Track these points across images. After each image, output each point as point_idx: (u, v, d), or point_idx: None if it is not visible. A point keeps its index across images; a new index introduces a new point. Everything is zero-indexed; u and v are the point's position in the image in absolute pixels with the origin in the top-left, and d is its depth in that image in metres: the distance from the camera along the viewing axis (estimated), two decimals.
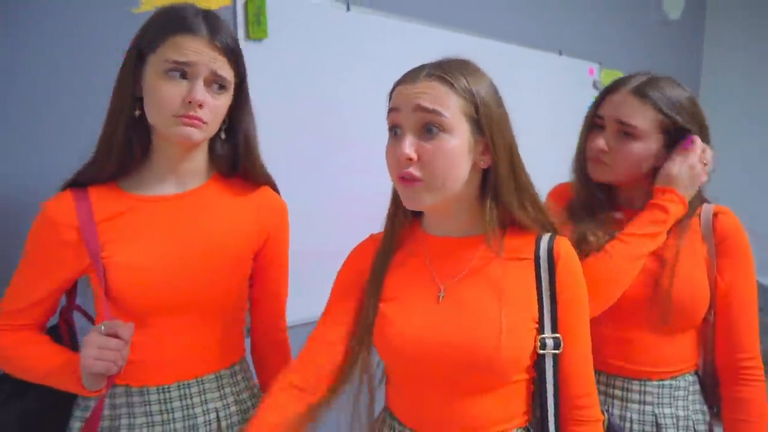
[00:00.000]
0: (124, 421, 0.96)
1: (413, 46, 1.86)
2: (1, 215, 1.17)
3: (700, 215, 1.10)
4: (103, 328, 0.88)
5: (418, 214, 0.95)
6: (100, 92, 1.00)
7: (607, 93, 1.09)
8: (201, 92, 0.91)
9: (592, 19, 2.85)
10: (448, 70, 0.82)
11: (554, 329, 0.84)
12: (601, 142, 1.07)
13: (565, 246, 0.88)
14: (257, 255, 1.08)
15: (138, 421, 0.96)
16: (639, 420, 1.06)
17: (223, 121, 1.00)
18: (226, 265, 1.00)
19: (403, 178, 0.81)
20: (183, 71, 0.91)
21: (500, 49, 2.31)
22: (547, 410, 0.85)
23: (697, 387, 1.11)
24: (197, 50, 0.90)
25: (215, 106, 0.94)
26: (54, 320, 1.04)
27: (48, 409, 0.97)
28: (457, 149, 0.80)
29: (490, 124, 0.82)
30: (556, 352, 0.84)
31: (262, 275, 1.10)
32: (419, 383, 0.86)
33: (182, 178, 1.01)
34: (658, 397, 1.06)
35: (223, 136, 1.02)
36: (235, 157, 1.04)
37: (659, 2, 3.29)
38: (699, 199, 1.11)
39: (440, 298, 0.85)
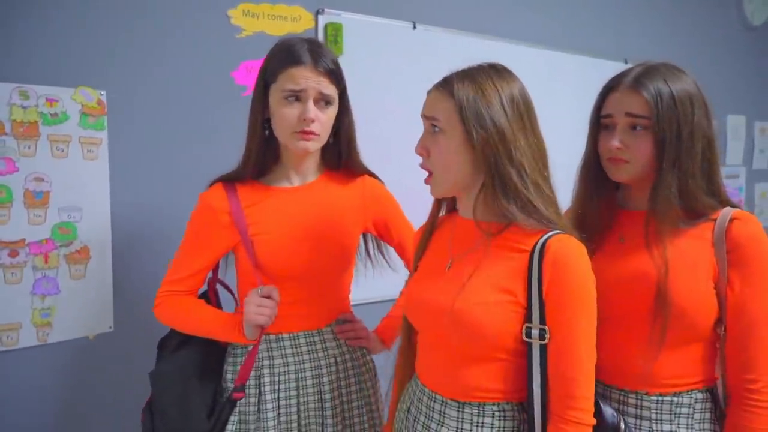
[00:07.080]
0: (266, 362, 1.19)
1: (473, 57, 2.04)
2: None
3: (716, 219, 1.01)
4: (260, 291, 1.12)
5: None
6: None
7: (608, 91, 1.06)
8: (312, 111, 1.12)
9: (666, 26, 2.85)
10: (451, 78, 0.94)
11: (542, 321, 0.87)
12: (615, 141, 1.02)
13: (559, 242, 0.87)
14: (375, 225, 1.31)
15: (276, 362, 1.19)
16: None
17: (333, 126, 1.21)
18: (335, 238, 1.21)
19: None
20: (297, 96, 1.12)
21: (565, 60, 2.41)
22: (533, 397, 0.87)
23: (709, 405, 1.01)
24: (305, 77, 1.11)
25: (324, 119, 1.15)
26: (202, 290, 1.27)
27: (205, 357, 1.20)
28: (451, 146, 0.92)
29: (471, 124, 0.89)
30: (542, 342, 0.87)
31: (387, 234, 1.33)
32: (428, 343, 0.99)
33: (303, 174, 1.23)
34: (657, 413, 0.99)
35: (331, 140, 1.22)
36: (340, 155, 1.25)
37: (741, 8, 3.22)
38: (717, 201, 1.03)
39: (447, 267, 0.98)
